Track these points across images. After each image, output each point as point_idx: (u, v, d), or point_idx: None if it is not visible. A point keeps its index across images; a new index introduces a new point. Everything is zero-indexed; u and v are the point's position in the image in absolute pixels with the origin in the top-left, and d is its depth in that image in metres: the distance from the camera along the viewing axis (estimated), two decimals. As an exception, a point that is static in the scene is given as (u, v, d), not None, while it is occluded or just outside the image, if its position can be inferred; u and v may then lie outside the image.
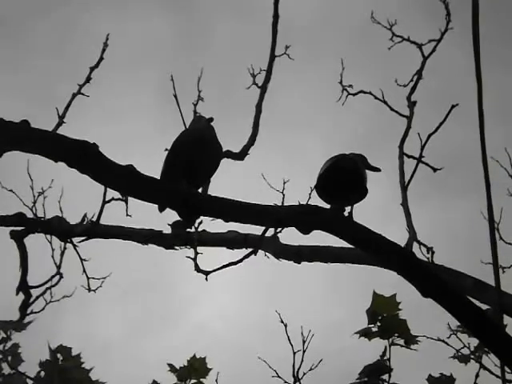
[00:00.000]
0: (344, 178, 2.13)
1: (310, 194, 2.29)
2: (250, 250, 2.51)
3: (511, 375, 2.04)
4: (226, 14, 3.86)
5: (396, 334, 2.22)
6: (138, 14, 3.75)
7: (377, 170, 2.31)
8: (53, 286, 2.71)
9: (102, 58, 2.35)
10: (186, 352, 2.62)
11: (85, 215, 2.73)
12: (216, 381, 2.55)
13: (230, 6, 3.83)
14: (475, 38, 1.86)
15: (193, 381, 2.64)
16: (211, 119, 2.41)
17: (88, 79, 2.34)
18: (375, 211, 2.74)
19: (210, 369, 2.64)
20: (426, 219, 3.02)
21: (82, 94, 2.33)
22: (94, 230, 2.70)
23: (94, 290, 2.72)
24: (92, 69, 2.36)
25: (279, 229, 2.71)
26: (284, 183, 2.61)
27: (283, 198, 2.60)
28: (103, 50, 2.34)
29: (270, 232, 2.75)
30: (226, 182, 2.68)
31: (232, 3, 3.81)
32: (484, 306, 2.28)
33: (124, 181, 1.90)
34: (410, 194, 2.59)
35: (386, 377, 2.27)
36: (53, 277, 2.72)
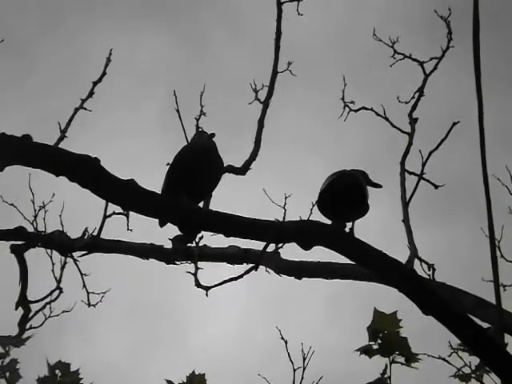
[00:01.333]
0: (345, 194, 2.13)
1: (311, 210, 2.29)
2: (250, 265, 2.51)
3: (512, 394, 2.03)
4: (228, 29, 3.88)
5: (397, 352, 2.21)
6: (143, 34, 3.78)
7: (378, 186, 2.31)
8: (52, 300, 2.70)
9: (104, 73, 2.36)
10: (187, 371, 2.60)
11: (85, 230, 2.73)
12: (215, 398, 2.54)
13: (232, 23, 3.85)
14: (476, 55, 1.87)
15: (192, 397, 2.62)
16: (213, 135, 2.42)
17: (91, 94, 2.35)
18: (376, 228, 2.74)
19: (210, 385, 2.63)
20: (428, 236, 3.02)
21: (85, 109, 2.34)
22: (94, 244, 2.69)
23: (93, 305, 2.71)
24: (95, 83, 2.37)
25: (280, 244, 2.70)
26: (286, 198, 2.61)
27: (285, 213, 2.60)
28: (106, 65, 2.34)
29: (271, 247, 2.75)
30: (227, 197, 2.68)
31: (235, 21, 3.84)
32: (485, 325, 2.27)
33: (125, 195, 1.90)
34: (411, 211, 2.59)
35: (386, 395, 2.25)
36: (53, 291, 2.71)
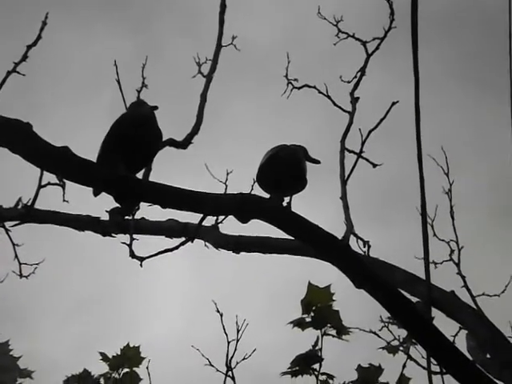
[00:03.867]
0: (284, 168, 2.14)
1: (252, 186, 2.29)
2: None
3: (437, 366, 2.09)
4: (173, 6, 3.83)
5: (329, 325, 2.24)
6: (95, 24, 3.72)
7: (317, 162, 2.33)
8: (-17, 270, 2.64)
9: (40, 37, 2.31)
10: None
11: (19, 199, 2.67)
12: (147, 368, 2.54)
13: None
14: (414, 37, 1.89)
15: (125, 369, 2.61)
16: (156, 107, 2.39)
17: (24, 57, 2.28)
18: (316, 204, 2.76)
19: (144, 358, 2.63)
20: (364, 215, 3.06)
21: (18, 73, 2.27)
22: (28, 214, 2.64)
23: (26, 277, 2.67)
24: (29, 47, 2.30)
25: (220, 219, 2.71)
26: (227, 174, 2.61)
27: (226, 189, 2.59)
28: (41, 29, 2.29)
29: (211, 222, 2.75)
30: (168, 171, 2.66)
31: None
32: (414, 299, 2.32)
33: (58, 163, 1.86)
34: (349, 188, 2.62)
35: (317, 366, 2.29)
36: (-17, 261, 2.66)
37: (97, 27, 3.76)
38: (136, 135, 2.10)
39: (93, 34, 3.71)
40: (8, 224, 2.65)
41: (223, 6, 2.89)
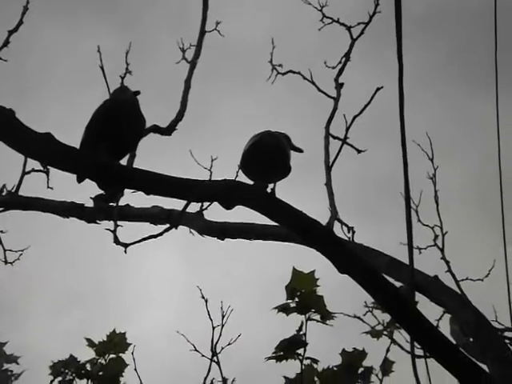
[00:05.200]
0: (267, 154, 2.14)
1: (237, 173, 2.29)
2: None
3: (420, 350, 2.11)
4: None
5: (313, 310, 2.26)
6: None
7: (299, 150, 2.33)
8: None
9: (21, 22, 2.29)
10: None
11: (3, 186, 2.66)
12: (132, 354, 2.54)
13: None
14: (397, 21, 1.89)
15: (112, 355, 2.61)
16: (138, 92, 2.37)
17: (6, 43, 2.27)
18: (300, 191, 2.77)
19: (130, 344, 2.63)
20: (350, 201, 3.07)
21: (0, 59, 2.26)
22: (12, 201, 2.62)
23: (11, 263, 2.66)
24: (10, 32, 2.29)
25: (204, 205, 2.70)
26: (212, 161, 2.60)
27: (210, 176, 2.59)
28: (23, 13, 2.27)
29: (196, 208, 2.74)
30: (152, 158, 2.65)
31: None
32: (398, 284, 2.34)
33: (41, 149, 1.85)
34: (333, 175, 2.62)
35: (301, 351, 2.30)
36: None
37: (82, 23, 3.74)
38: (118, 121, 2.09)
39: (78, 29, 3.70)
40: (-8, 210, 2.63)
41: (207, -8, 2.88)
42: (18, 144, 1.84)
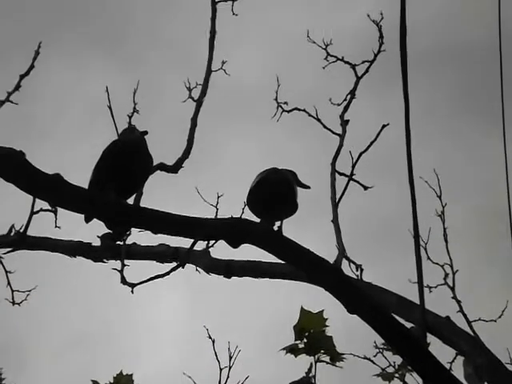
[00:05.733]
0: (274, 191, 2.13)
1: (243, 210, 2.29)
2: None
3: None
4: (162, 30, 3.85)
5: (322, 351, 2.22)
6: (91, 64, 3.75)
7: (306, 187, 2.33)
8: (-25, 297, 2.62)
9: (32, 66, 2.31)
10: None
11: (12, 226, 2.66)
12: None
13: (166, 24, 3.83)
14: (403, 60, 1.90)
15: (118, 398, 2.58)
16: (146, 132, 2.39)
17: (17, 87, 2.29)
18: (307, 228, 2.76)
19: (137, 385, 2.59)
20: (357, 237, 3.05)
21: (11, 102, 2.28)
22: (20, 241, 2.63)
23: (18, 304, 2.65)
24: (22, 76, 2.31)
25: (210, 243, 2.69)
26: (218, 198, 2.60)
27: (217, 213, 2.59)
28: (34, 58, 2.29)
29: (202, 246, 2.73)
30: (159, 196, 2.65)
31: (168, 23, 3.82)
32: (408, 324, 2.30)
33: (50, 190, 1.85)
34: (340, 211, 2.61)
35: (310, 393, 2.26)
36: (-25, 289, 2.63)
37: (89, 63, 3.79)
38: (127, 162, 2.10)
39: (85, 69, 3.75)
40: (0, 251, 2.64)
41: (213, 32, 2.92)
42: (28, 185, 1.84)
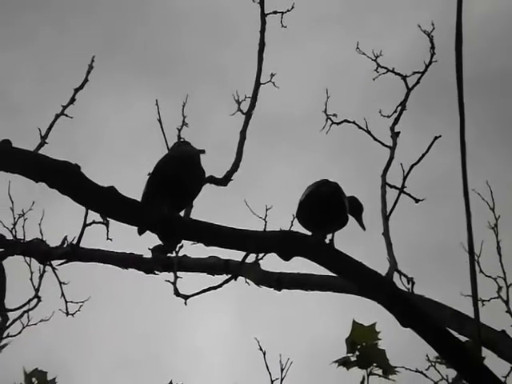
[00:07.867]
0: (324, 203, 2.12)
1: (292, 222, 2.28)
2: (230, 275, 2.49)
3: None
4: (212, 41, 3.89)
5: (374, 364, 2.20)
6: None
7: (361, 223, 2.29)
8: (30, 309, 2.68)
9: (86, 80, 2.36)
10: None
11: (65, 238, 2.71)
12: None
13: (216, 36, 3.86)
14: (458, 69, 1.88)
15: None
16: (203, 151, 2.40)
17: (72, 100, 2.34)
18: (357, 240, 2.74)
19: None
20: (408, 249, 3.02)
21: (66, 115, 2.33)
22: (73, 253, 2.67)
23: (72, 314, 2.69)
24: (76, 90, 2.36)
25: (260, 255, 2.70)
26: (267, 210, 2.61)
27: (265, 225, 2.59)
28: (88, 72, 2.34)
29: (252, 258, 2.74)
30: (209, 208, 2.67)
31: (218, 33, 3.85)
32: (462, 338, 2.27)
33: (105, 202, 1.89)
34: (391, 224, 2.59)
35: (364, 406, 2.24)
36: (31, 300, 2.69)
37: (133, 91, 3.86)
38: (181, 175, 2.12)
39: (130, 97, 3.81)
40: (55, 263, 2.68)
41: (262, 45, 2.94)
42: (84, 198, 1.88)
